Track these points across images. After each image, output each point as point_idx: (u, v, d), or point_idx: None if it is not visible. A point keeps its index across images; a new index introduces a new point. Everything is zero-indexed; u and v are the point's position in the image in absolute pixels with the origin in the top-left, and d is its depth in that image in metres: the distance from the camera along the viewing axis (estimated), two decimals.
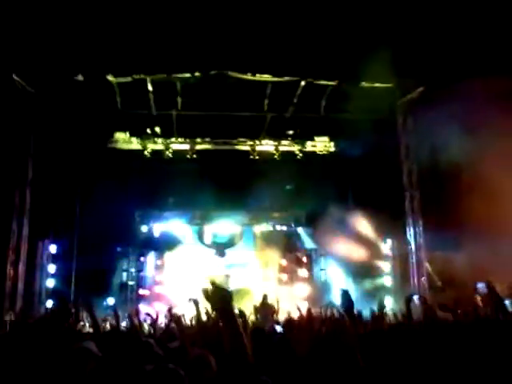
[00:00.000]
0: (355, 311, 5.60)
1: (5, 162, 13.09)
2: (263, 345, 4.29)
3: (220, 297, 2.42)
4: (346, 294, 3.74)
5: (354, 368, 2.64)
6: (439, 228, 13.70)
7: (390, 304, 13.16)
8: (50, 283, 15.52)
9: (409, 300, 5.51)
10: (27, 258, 14.60)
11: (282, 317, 9.37)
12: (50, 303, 15.02)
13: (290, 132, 15.18)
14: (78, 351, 2.62)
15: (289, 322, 7.14)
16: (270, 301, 11.00)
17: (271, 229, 17.95)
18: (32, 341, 3.89)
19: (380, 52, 11.86)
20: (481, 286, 5.87)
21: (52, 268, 15.64)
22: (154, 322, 6.53)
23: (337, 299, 9.25)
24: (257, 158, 15.32)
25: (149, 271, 17.93)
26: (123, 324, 7.35)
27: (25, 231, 14.49)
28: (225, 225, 17.64)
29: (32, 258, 14.89)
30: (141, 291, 17.48)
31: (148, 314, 7.10)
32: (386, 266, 16.64)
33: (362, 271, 16.07)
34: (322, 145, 15.53)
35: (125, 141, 14.81)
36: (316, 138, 15.45)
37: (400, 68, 12.90)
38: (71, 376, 2.86)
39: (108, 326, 7.99)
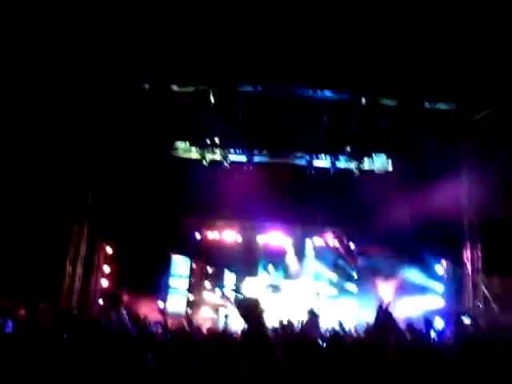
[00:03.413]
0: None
1: (68, 167, 13.63)
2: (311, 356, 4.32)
3: (248, 305, 2.42)
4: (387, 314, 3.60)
5: None
6: (499, 251, 13.31)
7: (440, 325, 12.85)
8: (105, 283, 16.03)
9: (458, 320, 5.43)
10: (85, 257, 15.18)
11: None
12: (101, 302, 15.57)
13: (348, 149, 15.02)
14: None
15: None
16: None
17: (323, 243, 17.89)
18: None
19: (444, 72, 11.63)
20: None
21: (107, 269, 16.16)
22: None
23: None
24: (313, 172, 15.26)
25: (198, 277, 18.22)
26: None
27: (85, 232, 15.07)
28: (276, 236, 17.71)
29: (89, 258, 15.44)
30: (190, 296, 17.79)
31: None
32: (439, 286, 16.25)
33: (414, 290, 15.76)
34: (379, 163, 15.30)
35: (185, 150, 15.08)
36: (374, 156, 15.24)
37: (464, 89, 12.59)
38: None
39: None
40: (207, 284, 18.22)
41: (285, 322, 7.66)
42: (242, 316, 2.41)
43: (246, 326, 2.42)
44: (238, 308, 2.45)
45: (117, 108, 13.83)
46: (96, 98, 13.50)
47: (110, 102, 13.75)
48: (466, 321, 6.43)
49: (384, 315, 3.46)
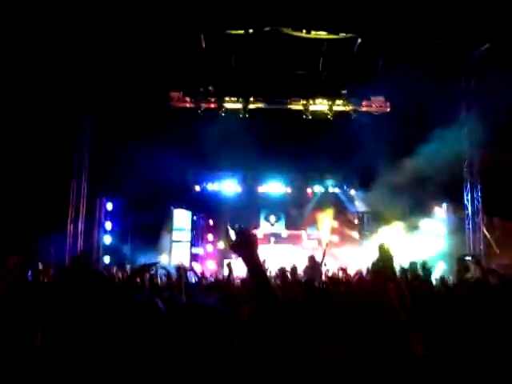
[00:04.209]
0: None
1: (62, 123, 13.42)
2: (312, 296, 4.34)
3: (243, 232, 2.37)
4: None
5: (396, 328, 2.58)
6: (499, 192, 13.23)
7: (442, 267, 12.90)
8: (107, 240, 16.10)
9: (461, 260, 5.40)
10: (85, 215, 15.17)
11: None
12: (107, 259, 15.65)
13: (344, 91, 14.74)
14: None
15: (334, 279, 7.20)
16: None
17: (323, 191, 17.85)
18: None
19: (441, 6, 11.24)
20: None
21: (109, 225, 16.19)
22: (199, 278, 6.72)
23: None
24: (310, 117, 15.03)
25: (201, 230, 18.33)
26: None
27: (83, 189, 15.01)
28: (276, 185, 17.67)
29: (90, 215, 15.43)
30: (193, 249, 17.92)
31: (193, 271, 7.23)
32: (441, 229, 16.24)
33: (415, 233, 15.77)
34: (377, 105, 15.05)
35: (179, 100, 14.84)
36: (372, 98, 14.98)
37: (462, 23, 12.18)
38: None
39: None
40: (210, 237, 18.33)
41: (288, 269, 7.68)
42: (238, 246, 2.35)
43: (244, 261, 2.36)
44: (235, 235, 2.39)
45: (110, 60, 13.47)
46: (91, 47, 13.10)
47: (105, 52, 13.36)
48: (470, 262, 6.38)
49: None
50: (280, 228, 18.03)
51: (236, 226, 2.43)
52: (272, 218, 18.02)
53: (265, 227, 18.00)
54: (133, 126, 14.24)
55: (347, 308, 3.50)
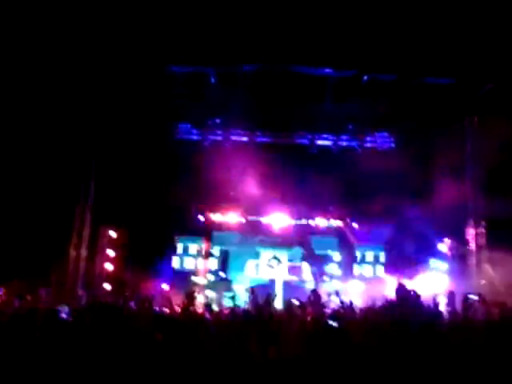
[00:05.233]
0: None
1: (70, 153, 13.56)
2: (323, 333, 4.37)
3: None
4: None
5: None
6: (504, 228, 13.21)
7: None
8: (109, 267, 16.07)
9: (466, 299, 5.42)
10: (89, 242, 15.19)
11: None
12: (108, 286, 15.59)
13: (350, 127, 14.92)
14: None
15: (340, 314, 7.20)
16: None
17: (327, 224, 17.87)
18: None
19: (446, 46, 11.46)
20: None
21: (111, 253, 16.19)
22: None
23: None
24: (315, 152, 15.18)
25: (202, 259, 18.24)
26: None
27: (87, 217, 15.06)
28: (279, 218, 17.68)
29: (94, 242, 15.45)
30: (193, 278, 17.84)
31: None
32: (442, 265, 16.20)
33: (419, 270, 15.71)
34: (381, 140, 15.21)
35: (186, 132, 15.01)
36: (376, 134, 15.15)
37: (466, 63, 12.41)
38: None
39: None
40: (211, 265, 18.24)
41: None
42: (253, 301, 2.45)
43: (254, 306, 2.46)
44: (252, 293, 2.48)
45: (119, 90, 13.68)
46: (97, 80, 13.34)
47: (113, 83, 13.58)
48: (474, 298, 6.40)
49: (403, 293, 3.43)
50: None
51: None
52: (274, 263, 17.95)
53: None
54: (139, 156, 14.37)
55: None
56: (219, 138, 15.16)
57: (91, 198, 15.02)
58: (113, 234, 16.18)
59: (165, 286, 16.39)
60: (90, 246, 15.26)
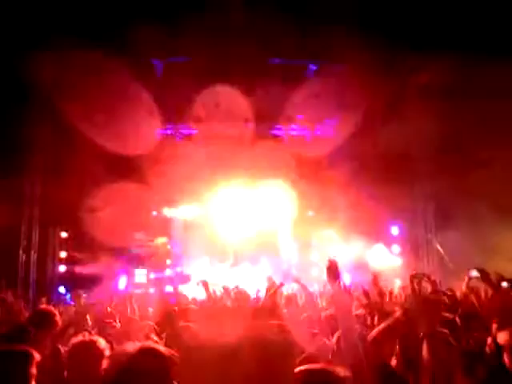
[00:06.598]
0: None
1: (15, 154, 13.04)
2: None
3: None
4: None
5: None
6: (453, 207, 13.41)
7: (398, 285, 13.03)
8: (62, 269, 15.66)
9: (414, 278, 5.47)
10: (39, 244, 14.73)
11: None
12: (62, 289, 15.20)
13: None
14: None
15: None
16: None
17: None
18: None
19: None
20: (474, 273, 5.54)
21: (63, 254, 15.77)
22: None
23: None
24: None
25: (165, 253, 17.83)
26: None
27: (36, 219, 14.59)
28: None
29: (43, 244, 15.01)
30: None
31: None
32: (394, 247, 16.40)
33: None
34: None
35: None
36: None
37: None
38: None
39: None
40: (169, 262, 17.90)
41: None
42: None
43: None
44: None
45: None
46: None
47: None
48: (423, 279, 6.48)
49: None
50: None
51: None
52: None
53: None
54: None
55: None
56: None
57: (39, 199, 14.53)
58: (64, 234, 15.79)
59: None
60: (39, 248, 14.81)
